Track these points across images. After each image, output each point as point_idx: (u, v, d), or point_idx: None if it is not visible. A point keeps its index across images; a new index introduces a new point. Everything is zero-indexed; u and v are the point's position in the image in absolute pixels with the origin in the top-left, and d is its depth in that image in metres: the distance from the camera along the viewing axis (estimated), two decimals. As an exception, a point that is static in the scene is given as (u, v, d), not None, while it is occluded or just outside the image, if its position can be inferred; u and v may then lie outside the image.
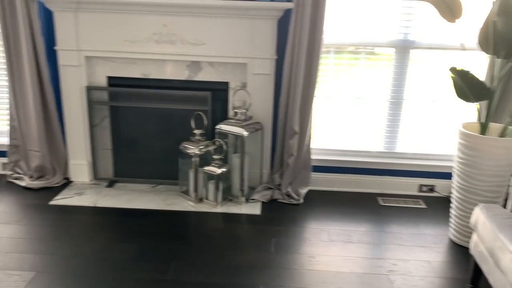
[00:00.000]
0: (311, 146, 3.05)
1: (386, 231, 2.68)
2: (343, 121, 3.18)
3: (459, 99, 2.41)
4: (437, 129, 3.17)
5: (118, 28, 2.85)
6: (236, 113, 2.89)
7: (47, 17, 2.92)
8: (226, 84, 3.00)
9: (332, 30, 2.98)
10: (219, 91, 3.01)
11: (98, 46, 2.89)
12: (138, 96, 3.01)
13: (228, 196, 2.97)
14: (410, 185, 3.20)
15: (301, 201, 3.00)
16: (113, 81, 3.03)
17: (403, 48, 3.00)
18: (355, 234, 2.62)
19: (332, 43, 3.00)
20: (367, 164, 3.17)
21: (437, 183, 3.18)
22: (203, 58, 2.90)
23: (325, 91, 3.12)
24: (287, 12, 2.83)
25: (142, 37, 2.86)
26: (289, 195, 3.01)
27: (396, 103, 3.12)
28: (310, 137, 3.01)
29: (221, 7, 2.73)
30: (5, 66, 2.91)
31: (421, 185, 3.19)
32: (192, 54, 2.89)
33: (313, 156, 3.13)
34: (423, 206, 3.03)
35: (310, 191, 3.17)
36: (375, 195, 3.17)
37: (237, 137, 2.87)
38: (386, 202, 3.07)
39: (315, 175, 3.19)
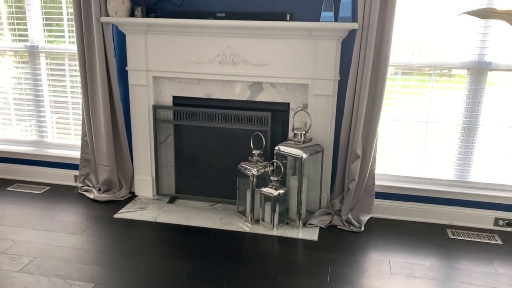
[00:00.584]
0: (375, 171, 2.91)
1: (454, 267, 2.46)
2: (410, 146, 3.01)
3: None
4: (518, 157, 2.89)
5: (184, 49, 2.94)
6: (295, 135, 2.84)
7: (120, 39, 3.09)
8: (287, 105, 2.97)
9: (400, 50, 2.85)
10: (279, 111, 2.99)
11: (165, 67, 3.00)
12: (201, 116, 3.07)
13: (285, 219, 2.90)
14: (484, 218, 2.93)
15: (362, 228, 2.85)
16: (178, 101, 3.12)
17: (479, 70, 2.79)
18: (419, 268, 2.43)
19: (399, 63, 2.87)
20: (435, 193, 2.96)
21: (517, 217, 2.89)
22: (265, 78, 2.90)
23: (392, 114, 2.97)
24: (352, 32, 2.75)
25: (207, 58, 2.93)
26: (349, 222, 2.88)
27: (469, 128, 2.90)
28: (374, 162, 2.88)
29: (283, 28, 2.73)
30: (80, 85, 3.11)
31: (497, 219, 2.91)
32: (254, 75, 2.90)
33: (377, 182, 2.98)
34: (499, 242, 2.75)
35: (372, 219, 3.01)
36: (444, 227, 2.94)
37: (296, 159, 2.81)
38: (456, 235, 2.83)
39: (378, 202, 3.03)
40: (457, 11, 2.73)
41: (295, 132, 2.84)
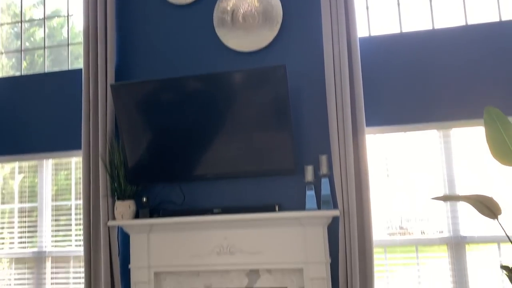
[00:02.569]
0: None
1: None
2: (410, 322, 3.03)
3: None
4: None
5: (184, 244, 3.17)
6: (296, 321, 2.87)
7: (124, 239, 3.33)
8: (284, 290, 3.08)
9: (382, 229, 3.13)
10: (278, 298, 3.08)
11: (166, 262, 3.18)
12: (201, 308, 3.12)
13: None
14: None
15: None
16: (178, 294, 3.21)
17: (456, 244, 3.03)
18: None
19: (383, 243, 3.11)
20: None
21: None
22: (261, 265, 3.07)
23: (385, 291, 3.08)
24: (336, 218, 3.06)
25: (205, 250, 3.14)
26: None
27: (463, 299, 2.99)
28: None
29: (274, 218, 3.02)
30: (81, 287, 3.23)
31: None
32: (250, 263, 3.08)
33: None
34: None
35: None
36: None
37: None
38: None
39: None
40: (428, 195, 3.11)
41: (295, 317, 2.88)
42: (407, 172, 3.15)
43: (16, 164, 3.70)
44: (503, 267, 2.19)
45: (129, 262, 3.25)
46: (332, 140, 3.02)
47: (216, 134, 3.12)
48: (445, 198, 2.45)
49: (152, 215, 3.22)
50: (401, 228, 3.15)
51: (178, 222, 3.15)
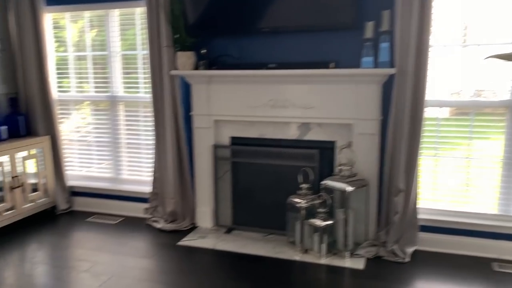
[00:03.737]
0: (419, 205, 3.07)
1: (498, 298, 2.53)
2: (453, 181, 3.15)
3: None
4: None
5: (241, 96, 3.35)
6: (341, 170, 3.09)
7: (186, 89, 3.57)
8: (333, 143, 3.25)
9: (438, 91, 3.07)
10: (326, 149, 3.27)
11: (225, 111, 3.42)
12: (255, 153, 3.41)
13: (332, 249, 3.11)
14: (533, 253, 2.96)
15: (407, 259, 2.99)
16: (235, 141, 3.51)
17: (517, 107, 2.93)
18: (462, 298, 2.53)
19: (438, 103, 3.08)
20: (480, 227, 3.04)
21: None
22: (312, 120, 3.22)
23: (434, 151, 3.15)
24: (391, 76, 3.03)
25: (260, 103, 3.32)
26: (394, 253, 3.03)
27: (511, 164, 3.01)
28: (416, 196, 3.05)
29: (328, 75, 3.06)
30: (152, 128, 3.61)
31: (547, 254, 2.93)
32: (302, 117, 3.23)
33: (421, 216, 3.12)
34: (548, 276, 2.77)
35: (417, 251, 3.13)
36: (490, 260, 2.99)
37: (342, 192, 3.05)
38: (503, 268, 2.88)
39: (423, 235, 3.16)
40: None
41: (341, 167, 3.10)
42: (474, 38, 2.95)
43: (86, 14, 3.89)
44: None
45: (190, 110, 3.53)
46: (397, -6, 2.84)
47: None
48: (504, 57, 2.31)
49: (211, 67, 3.37)
50: (457, 93, 3.07)
51: (235, 75, 3.29)
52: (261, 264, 2.98)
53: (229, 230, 3.54)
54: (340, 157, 3.23)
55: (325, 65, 3.08)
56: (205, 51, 3.35)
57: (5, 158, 3.53)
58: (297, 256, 3.09)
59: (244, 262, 3.02)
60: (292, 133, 3.35)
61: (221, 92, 3.41)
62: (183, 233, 3.53)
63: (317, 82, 3.14)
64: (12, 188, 3.58)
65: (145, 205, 3.87)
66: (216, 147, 3.51)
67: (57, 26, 4.01)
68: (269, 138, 3.42)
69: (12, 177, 3.58)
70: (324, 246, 3.05)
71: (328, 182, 3.11)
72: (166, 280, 2.78)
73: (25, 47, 3.84)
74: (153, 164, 3.70)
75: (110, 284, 2.73)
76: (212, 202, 3.60)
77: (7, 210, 3.55)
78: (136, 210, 3.95)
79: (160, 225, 3.63)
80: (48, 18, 3.90)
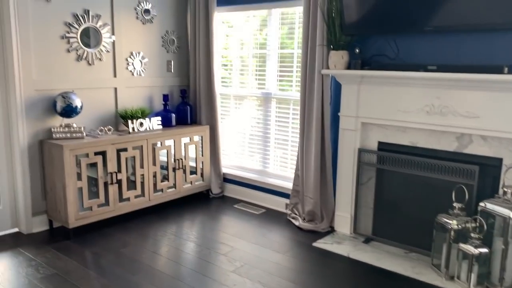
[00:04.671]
0: None
1: None
2: None
3: None
4: None
5: (392, 99, 3.13)
6: (506, 193, 2.64)
7: (337, 89, 3.50)
8: (498, 160, 2.79)
9: None
10: (489, 166, 2.83)
11: (373, 114, 3.24)
12: (404, 162, 3.16)
13: (484, 282, 2.69)
14: None
15: None
16: (383, 146, 3.30)
17: None
18: None
19: None
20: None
21: None
22: (475, 131, 2.81)
23: None
24: None
25: (414, 108, 3.04)
26: None
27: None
28: None
29: (501, 81, 2.63)
30: (298, 127, 3.64)
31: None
32: (463, 127, 2.85)
33: None
34: None
35: None
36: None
37: (505, 219, 2.60)
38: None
39: None
40: None
41: (506, 190, 2.64)
42: None
43: (250, 13, 4.12)
44: None
45: (339, 110, 3.45)
46: None
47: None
48: None
49: (363, 67, 3.22)
50: None
51: (389, 76, 3.08)
52: (397, 282, 2.76)
53: (367, 240, 3.37)
54: (506, 177, 2.75)
55: (497, 70, 2.65)
56: (358, 50, 3.22)
57: (171, 142, 4.00)
58: (440, 282, 2.76)
59: (378, 276, 2.84)
60: (449, 144, 2.99)
61: (371, 94, 3.24)
62: (320, 234, 3.49)
63: (485, 89, 2.73)
64: (175, 169, 4.04)
65: (287, 201, 3.95)
66: (362, 151, 3.36)
67: (224, 25, 4.35)
68: (421, 147, 3.11)
69: (175, 160, 4.03)
70: (474, 276, 2.65)
71: (488, 205, 2.68)
72: (295, 278, 2.79)
73: (198, 45, 4.26)
74: (296, 162, 3.73)
75: (242, 272, 2.86)
76: (352, 208, 3.46)
77: (169, 187, 4.03)
78: (279, 204, 4.06)
79: (298, 222, 3.66)
80: (218, 18, 4.26)
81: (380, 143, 3.31)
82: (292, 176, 3.88)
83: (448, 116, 2.91)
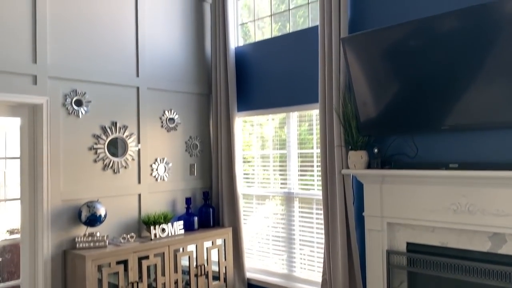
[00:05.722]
0: None
1: None
2: None
3: None
4: None
5: (417, 197, 3.05)
6: (552, 299, 2.42)
7: (358, 188, 3.46)
8: (539, 261, 2.61)
9: None
10: (530, 268, 2.64)
11: (399, 214, 3.15)
12: (436, 265, 2.98)
13: None
14: None
15: None
16: (412, 247, 3.15)
17: None
18: None
19: None
20: None
21: None
22: (508, 230, 2.67)
23: None
24: None
25: (440, 206, 2.95)
26: None
27: None
28: None
29: (526, 177, 2.56)
30: (323, 228, 3.55)
31: None
32: (494, 225, 2.72)
33: None
34: None
35: None
36: None
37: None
38: None
39: None
40: None
41: (552, 295, 2.43)
42: None
43: (269, 117, 4.28)
44: None
45: (363, 210, 3.37)
46: None
47: (461, 81, 2.79)
48: None
49: (383, 166, 3.21)
50: None
51: (411, 175, 3.04)
52: None
53: None
54: (551, 280, 2.55)
55: (521, 166, 2.59)
56: (377, 150, 3.24)
57: (193, 247, 3.93)
58: None
59: None
60: (482, 245, 2.83)
61: (394, 193, 3.18)
62: None
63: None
64: (197, 276, 3.92)
65: (315, 308, 3.72)
66: (390, 253, 3.21)
67: (244, 128, 4.50)
68: (452, 248, 2.96)
69: (197, 265, 3.93)
70: None
71: (534, 313, 2.45)
72: None
73: (220, 148, 4.39)
74: (323, 265, 3.58)
75: None
76: (385, 315, 3.22)
77: (192, 295, 3.88)
78: (306, 311, 3.82)
79: (327, 333, 3.40)
80: (239, 122, 4.42)
81: (408, 244, 3.17)
82: (320, 280, 3.70)
83: (477, 215, 2.79)
